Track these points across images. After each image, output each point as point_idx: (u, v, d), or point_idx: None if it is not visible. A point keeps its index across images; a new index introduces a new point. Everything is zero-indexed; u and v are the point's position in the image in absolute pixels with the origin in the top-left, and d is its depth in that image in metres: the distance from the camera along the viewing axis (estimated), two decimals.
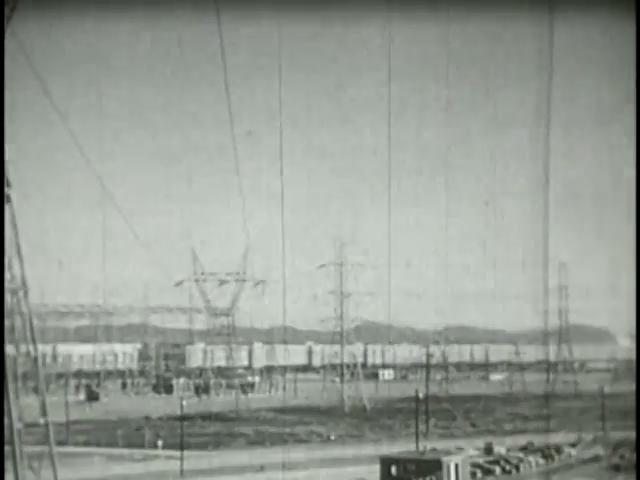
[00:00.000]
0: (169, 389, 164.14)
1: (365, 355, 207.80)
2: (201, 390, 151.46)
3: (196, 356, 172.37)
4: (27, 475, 41.78)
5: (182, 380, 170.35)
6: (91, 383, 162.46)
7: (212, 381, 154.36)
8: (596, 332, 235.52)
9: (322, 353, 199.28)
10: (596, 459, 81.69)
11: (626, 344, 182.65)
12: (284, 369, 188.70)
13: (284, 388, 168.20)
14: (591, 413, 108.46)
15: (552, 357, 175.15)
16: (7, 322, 41.79)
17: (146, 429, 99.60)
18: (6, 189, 41.72)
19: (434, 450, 70.37)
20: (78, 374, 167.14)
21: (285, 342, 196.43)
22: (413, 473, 63.19)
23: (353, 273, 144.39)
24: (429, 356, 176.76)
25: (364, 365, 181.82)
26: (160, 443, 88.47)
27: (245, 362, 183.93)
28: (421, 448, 73.42)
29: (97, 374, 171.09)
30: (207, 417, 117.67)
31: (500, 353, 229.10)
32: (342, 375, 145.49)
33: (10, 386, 41.01)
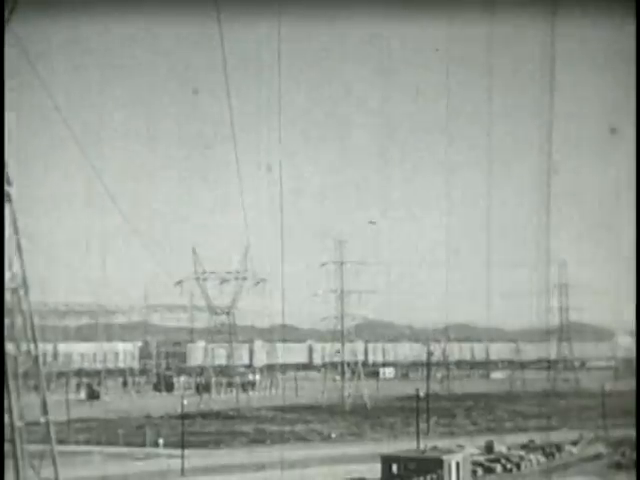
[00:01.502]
0: (170, 387, 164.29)
1: (366, 353, 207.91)
2: (202, 388, 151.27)
3: (197, 354, 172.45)
4: (28, 474, 41.77)
5: (183, 378, 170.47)
6: (92, 382, 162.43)
7: (213, 379, 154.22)
8: (596, 330, 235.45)
9: (323, 351, 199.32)
10: (597, 457, 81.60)
11: (626, 342, 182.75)
12: (285, 367, 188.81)
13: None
14: (592, 411, 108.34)
15: (553, 355, 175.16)
16: (8, 321, 41.77)
17: (147, 428, 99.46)
18: (6, 187, 41.70)
19: (435, 448, 70.41)
20: (79, 373, 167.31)
21: (286, 340, 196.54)
22: (414, 471, 63.27)
23: (354, 271, 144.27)
24: (430, 354, 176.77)
25: (365, 363, 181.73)
26: (161, 442, 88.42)
27: (246, 360, 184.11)
28: (422, 446, 73.35)
29: (98, 373, 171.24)
30: (208, 415, 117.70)
31: (501, 351, 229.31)
32: (343, 373, 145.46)
33: (11, 385, 40.99)
